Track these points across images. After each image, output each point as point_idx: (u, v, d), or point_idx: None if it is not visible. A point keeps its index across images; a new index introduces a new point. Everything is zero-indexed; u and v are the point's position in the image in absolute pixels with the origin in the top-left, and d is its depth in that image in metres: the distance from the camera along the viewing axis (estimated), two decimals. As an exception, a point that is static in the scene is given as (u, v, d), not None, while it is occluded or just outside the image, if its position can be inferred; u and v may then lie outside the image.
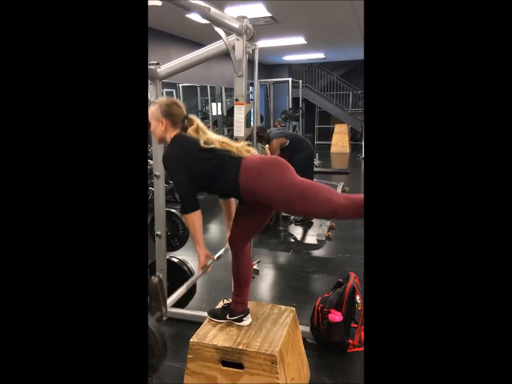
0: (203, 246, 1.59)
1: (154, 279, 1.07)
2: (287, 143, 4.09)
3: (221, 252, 1.93)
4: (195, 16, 4.80)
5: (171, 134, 1.62)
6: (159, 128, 1.62)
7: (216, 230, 4.19)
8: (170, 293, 2.37)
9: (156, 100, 1.66)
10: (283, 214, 4.21)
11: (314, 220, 4.25)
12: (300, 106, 9.25)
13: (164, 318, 1.04)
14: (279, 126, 7.22)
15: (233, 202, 1.80)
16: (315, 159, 8.00)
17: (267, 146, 4.32)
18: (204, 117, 7.80)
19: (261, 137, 4.05)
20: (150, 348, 0.93)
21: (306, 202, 1.45)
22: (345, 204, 1.43)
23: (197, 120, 1.64)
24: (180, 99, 6.82)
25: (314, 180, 4.37)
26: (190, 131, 1.59)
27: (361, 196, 1.44)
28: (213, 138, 1.59)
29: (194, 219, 1.52)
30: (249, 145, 1.63)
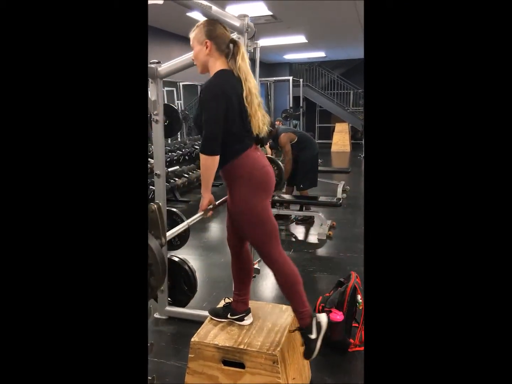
0: (209, 191, 1.59)
1: (153, 206, 1.00)
2: (296, 140, 4.06)
3: (222, 199, 1.94)
4: (196, 15, 4.80)
5: (216, 63, 1.51)
6: (202, 52, 1.51)
7: (216, 229, 4.19)
8: (171, 293, 2.39)
9: (198, 23, 1.55)
10: (283, 213, 4.21)
11: (315, 220, 4.25)
12: (301, 105, 9.24)
13: (163, 246, 1.00)
14: (280, 124, 7.22)
15: None
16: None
17: (267, 145, 4.31)
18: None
19: (270, 132, 4.03)
20: (149, 266, 0.91)
21: (252, 230, 1.54)
22: (278, 259, 1.56)
23: (243, 48, 1.54)
24: (180, 97, 6.81)
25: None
26: (240, 61, 1.50)
27: (288, 269, 1.56)
28: (252, 90, 1.51)
29: (211, 162, 1.48)
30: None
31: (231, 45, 1.53)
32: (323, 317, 1.56)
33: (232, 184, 1.54)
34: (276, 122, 7.42)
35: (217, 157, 1.47)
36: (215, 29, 1.50)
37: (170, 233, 1.56)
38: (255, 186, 1.51)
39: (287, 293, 1.59)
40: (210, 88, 1.47)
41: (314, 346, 1.52)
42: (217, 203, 1.76)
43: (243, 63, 1.51)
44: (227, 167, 1.53)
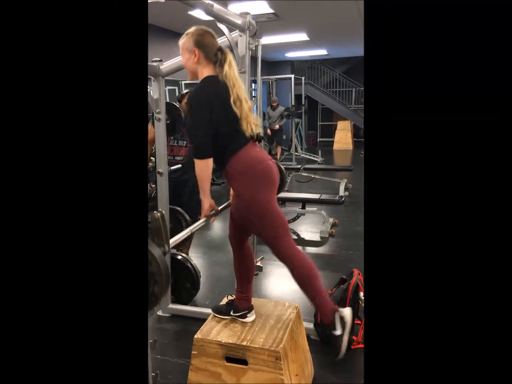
0: (209, 196, 1.59)
1: (156, 214, 1.01)
2: None
3: (225, 204, 1.93)
4: (198, 13, 4.80)
5: (203, 71, 1.56)
6: (191, 60, 1.56)
7: (219, 227, 4.20)
8: (174, 292, 2.40)
9: (187, 31, 1.59)
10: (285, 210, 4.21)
11: (317, 217, 4.25)
12: (303, 103, 9.23)
13: (166, 254, 0.99)
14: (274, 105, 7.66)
15: None
16: (317, 156, 8.06)
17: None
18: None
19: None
20: (152, 274, 0.89)
21: (261, 224, 1.52)
22: (291, 253, 1.55)
23: (230, 56, 1.58)
24: (182, 96, 6.79)
25: (317, 177, 4.37)
26: (227, 68, 1.53)
27: (301, 262, 1.55)
28: (241, 96, 1.53)
29: (205, 166, 1.51)
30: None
31: (219, 54, 1.57)
32: (346, 312, 1.49)
33: (236, 182, 1.54)
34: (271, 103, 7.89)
35: (210, 160, 1.51)
36: (203, 38, 1.55)
37: (173, 241, 1.56)
38: (259, 179, 1.51)
39: (304, 288, 1.55)
40: (195, 95, 1.52)
41: (340, 343, 1.44)
42: (219, 208, 1.75)
43: (231, 70, 1.55)
44: (228, 166, 1.53)
